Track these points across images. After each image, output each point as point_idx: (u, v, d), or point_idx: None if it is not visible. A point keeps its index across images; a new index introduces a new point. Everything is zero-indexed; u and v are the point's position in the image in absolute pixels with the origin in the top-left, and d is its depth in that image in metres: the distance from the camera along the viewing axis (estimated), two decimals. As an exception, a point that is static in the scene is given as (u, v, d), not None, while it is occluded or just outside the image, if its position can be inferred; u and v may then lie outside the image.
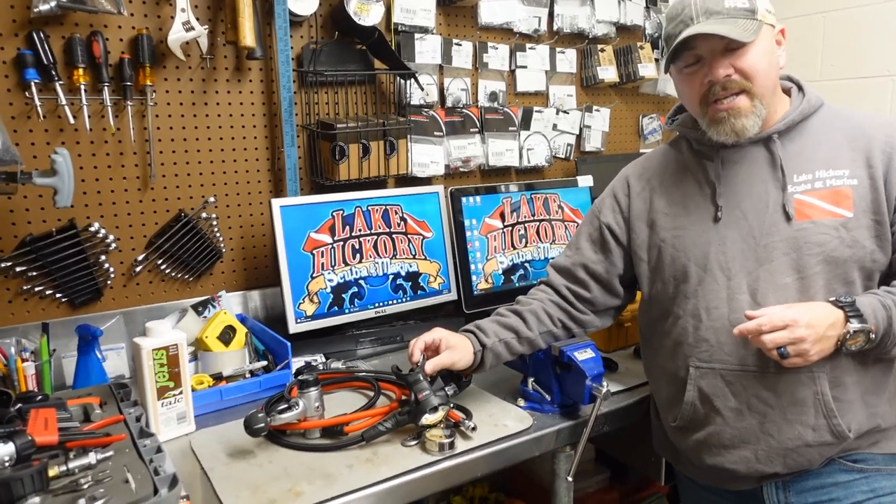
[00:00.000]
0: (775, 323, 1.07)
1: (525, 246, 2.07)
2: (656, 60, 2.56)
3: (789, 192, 1.19)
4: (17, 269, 1.54)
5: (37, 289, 1.58)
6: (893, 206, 1.16)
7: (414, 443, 1.24)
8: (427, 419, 1.22)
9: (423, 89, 2.05)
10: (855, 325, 1.08)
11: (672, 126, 1.38)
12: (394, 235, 1.87)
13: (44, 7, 1.45)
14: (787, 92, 1.28)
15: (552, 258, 2.09)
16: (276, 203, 1.69)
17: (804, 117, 1.23)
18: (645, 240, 1.34)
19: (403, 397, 1.35)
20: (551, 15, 2.34)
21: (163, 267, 1.74)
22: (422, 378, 1.26)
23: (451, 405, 1.28)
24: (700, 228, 1.26)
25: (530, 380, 1.43)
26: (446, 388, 1.30)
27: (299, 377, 1.32)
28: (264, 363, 1.53)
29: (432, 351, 1.32)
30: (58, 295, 1.60)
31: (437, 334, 1.32)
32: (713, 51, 1.17)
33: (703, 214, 1.26)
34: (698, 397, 1.23)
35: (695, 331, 1.24)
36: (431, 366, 1.27)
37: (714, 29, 1.14)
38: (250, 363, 1.53)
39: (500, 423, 1.33)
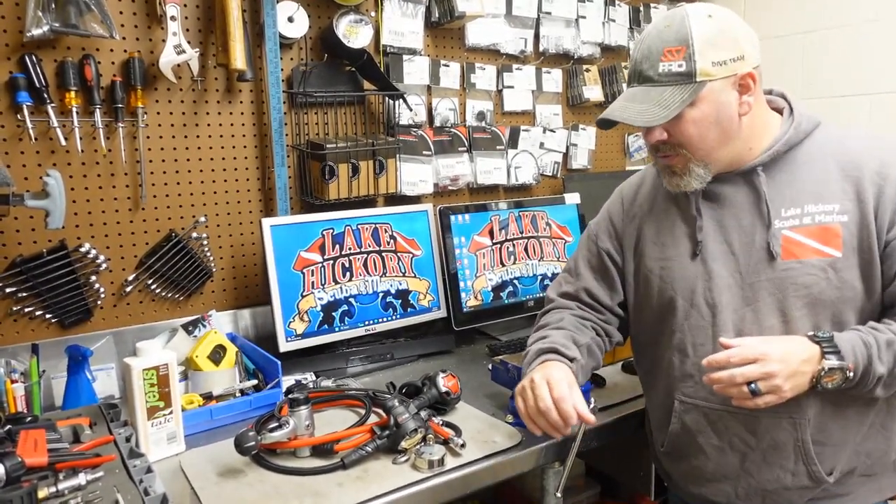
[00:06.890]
0: (745, 355, 1.01)
1: (514, 263, 2.09)
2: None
3: (776, 228, 1.13)
4: (7, 290, 1.55)
5: (27, 309, 1.58)
6: (884, 242, 1.09)
7: (404, 460, 1.25)
8: (406, 443, 1.24)
9: (411, 109, 2.08)
10: (832, 361, 1.01)
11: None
12: (383, 254, 1.88)
13: (36, 31, 1.47)
14: (779, 111, 1.20)
15: (541, 275, 2.12)
16: (267, 222, 1.70)
17: (790, 147, 1.15)
18: (633, 267, 1.31)
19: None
20: (537, 36, 2.39)
21: (153, 287, 1.74)
22: (397, 403, 1.29)
23: (429, 429, 1.29)
24: (687, 261, 1.21)
25: (519, 396, 1.44)
26: (421, 413, 1.33)
27: (290, 396, 1.32)
28: (254, 382, 1.54)
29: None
30: (48, 315, 1.60)
31: (563, 390, 1.17)
32: None
33: (687, 248, 1.22)
34: (682, 430, 1.23)
35: (680, 365, 1.21)
36: (593, 417, 1.19)
37: (623, 116, 1.12)
38: (240, 382, 1.53)
39: (490, 439, 1.33)
